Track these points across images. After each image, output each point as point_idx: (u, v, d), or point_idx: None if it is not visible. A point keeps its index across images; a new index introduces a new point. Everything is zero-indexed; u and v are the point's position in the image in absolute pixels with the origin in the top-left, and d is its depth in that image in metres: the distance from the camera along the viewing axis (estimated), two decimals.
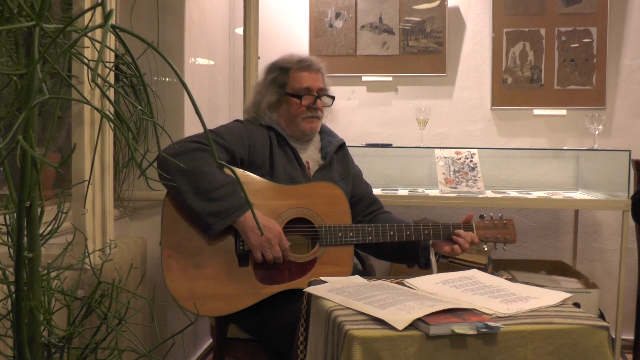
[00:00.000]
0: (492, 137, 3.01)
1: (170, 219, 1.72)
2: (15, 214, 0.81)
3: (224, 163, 0.76)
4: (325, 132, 2.05)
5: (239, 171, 1.80)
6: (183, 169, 1.67)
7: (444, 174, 2.61)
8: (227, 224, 1.68)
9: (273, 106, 1.93)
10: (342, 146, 2.04)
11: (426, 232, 1.82)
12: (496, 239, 1.85)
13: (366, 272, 2.11)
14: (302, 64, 1.93)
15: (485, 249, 1.86)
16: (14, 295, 0.86)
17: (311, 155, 1.97)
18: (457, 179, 2.59)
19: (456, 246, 1.80)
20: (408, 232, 1.81)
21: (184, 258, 1.70)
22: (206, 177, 1.67)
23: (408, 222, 1.89)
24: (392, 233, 1.81)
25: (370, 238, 1.80)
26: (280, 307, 1.71)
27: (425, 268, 1.87)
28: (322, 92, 1.94)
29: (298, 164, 1.89)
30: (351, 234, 1.79)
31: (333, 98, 1.99)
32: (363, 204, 2.01)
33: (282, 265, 1.74)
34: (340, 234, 1.78)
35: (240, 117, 2.03)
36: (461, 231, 1.82)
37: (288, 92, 1.91)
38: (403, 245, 1.89)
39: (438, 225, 1.82)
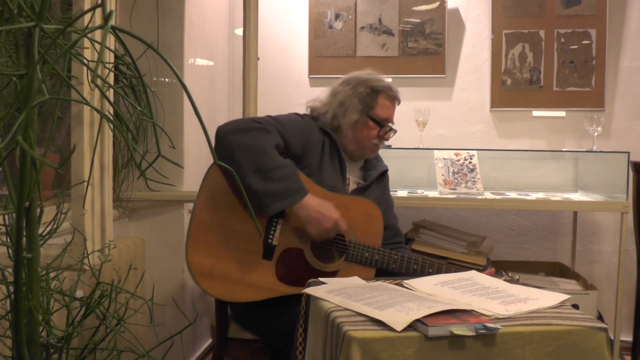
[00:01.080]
0: (491, 139, 3.01)
1: (209, 194, 1.72)
2: (14, 214, 0.81)
3: (225, 165, 0.76)
4: None
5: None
6: (246, 145, 1.68)
7: (443, 175, 2.61)
8: (283, 207, 1.69)
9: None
10: (384, 173, 2.05)
11: (452, 271, 1.78)
12: None
13: None
14: (390, 93, 1.95)
15: None
16: (12, 295, 0.86)
17: (354, 174, 1.99)
18: (456, 181, 2.59)
19: None
20: (431, 270, 1.79)
21: (212, 234, 1.70)
22: (268, 156, 1.68)
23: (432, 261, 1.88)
24: (415, 267, 1.80)
25: (393, 266, 1.80)
26: (286, 307, 1.70)
27: None
28: (391, 125, 1.97)
29: (342, 176, 1.90)
30: (377, 257, 1.80)
31: (395, 132, 2.00)
32: (387, 233, 1.98)
33: (303, 270, 1.74)
34: (367, 254, 1.79)
35: (240, 117, 2.03)
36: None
37: (372, 115, 1.91)
38: None
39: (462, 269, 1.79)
